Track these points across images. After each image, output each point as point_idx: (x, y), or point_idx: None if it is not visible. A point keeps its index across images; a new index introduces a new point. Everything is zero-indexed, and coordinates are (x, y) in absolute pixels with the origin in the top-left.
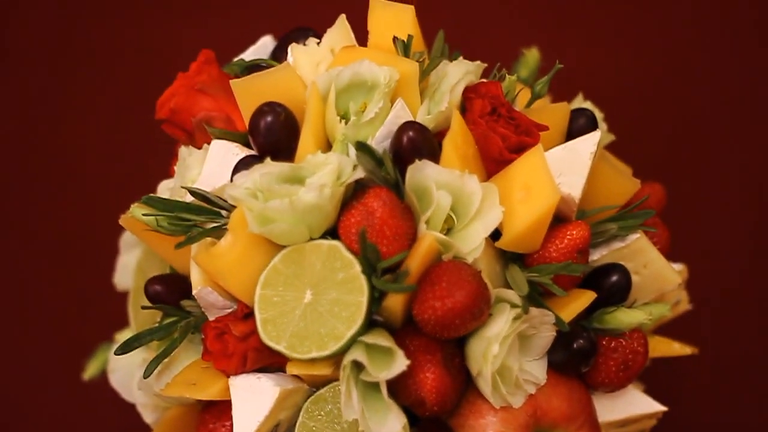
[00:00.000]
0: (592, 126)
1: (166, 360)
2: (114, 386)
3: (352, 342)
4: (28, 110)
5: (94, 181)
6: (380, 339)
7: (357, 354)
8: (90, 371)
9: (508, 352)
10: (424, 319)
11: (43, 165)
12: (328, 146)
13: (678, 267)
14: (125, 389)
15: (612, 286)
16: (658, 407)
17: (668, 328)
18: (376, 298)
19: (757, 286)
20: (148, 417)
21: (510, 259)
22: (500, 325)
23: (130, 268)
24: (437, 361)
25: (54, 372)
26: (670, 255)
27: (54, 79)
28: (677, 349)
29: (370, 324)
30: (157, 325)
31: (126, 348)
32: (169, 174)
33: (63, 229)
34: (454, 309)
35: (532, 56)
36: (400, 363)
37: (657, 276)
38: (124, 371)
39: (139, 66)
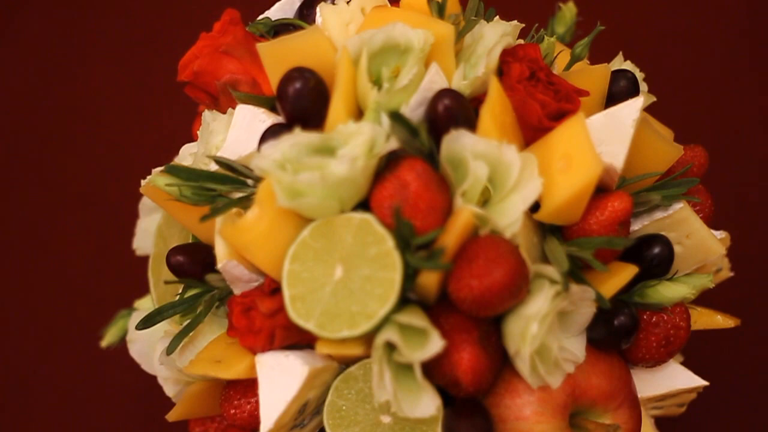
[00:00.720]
0: (634, 89)
1: (190, 338)
2: (134, 357)
3: (385, 321)
4: (46, 71)
5: (114, 141)
6: (414, 318)
7: (390, 334)
8: (108, 339)
9: (547, 331)
10: (460, 298)
11: (62, 123)
12: (359, 114)
13: (720, 234)
14: (146, 360)
15: (654, 258)
16: (700, 381)
17: (708, 296)
18: (410, 275)
19: None
20: (169, 390)
21: (548, 231)
22: (539, 304)
23: (150, 233)
24: (473, 340)
25: (72, 338)
26: (712, 222)
27: (74, 36)
28: (720, 321)
29: (403, 301)
30: (178, 297)
31: (147, 323)
32: (191, 137)
33: (82, 189)
34: (492, 288)
35: (569, 11)
36: (435, 344)
37: (700, 246)
38: (145, 342)
39: (159, 22)
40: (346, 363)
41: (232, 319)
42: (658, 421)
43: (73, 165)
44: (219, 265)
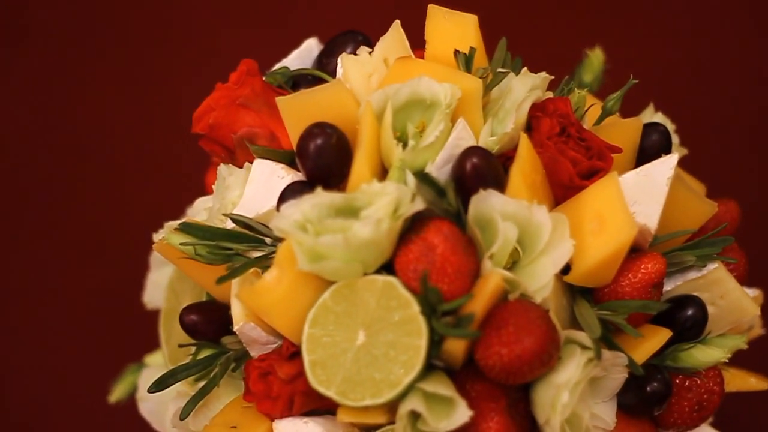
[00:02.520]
0: (667, 143)
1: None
2: (144, 416)
3: (410, 389)
4: (54, 110)
5: (125, 188)
6: (440, 387)
7: (415, 403)
8: (117, 394)
9: (578, 400)
10: (488, 365)
11: (71, 168)
12: (383, 172)
13: (753, 293)
14: (156, 420)
15: (687, 320)
16: None
17: (739, 354)
18: (436, 342)
19: None
20: None
21: (578, 292)
22: (570, 371)
23: (161, 287)
24: (501, 409)
25: (80, 392)
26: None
27: (86, 77)
28: (753, 384)
29: (427, 367)
30: (191, 357)
31: (160, 385)
32: (203, 184)
33: (91, 238)
34: (522, 356)
35: (596, 58)
36: (462, 413)
37: (734, 307)
38: (156, 400)
39: (172, 69)
40: (367, 430)
41: (248, 384)
42: None
43: (81, 212)
44: (236, 327)
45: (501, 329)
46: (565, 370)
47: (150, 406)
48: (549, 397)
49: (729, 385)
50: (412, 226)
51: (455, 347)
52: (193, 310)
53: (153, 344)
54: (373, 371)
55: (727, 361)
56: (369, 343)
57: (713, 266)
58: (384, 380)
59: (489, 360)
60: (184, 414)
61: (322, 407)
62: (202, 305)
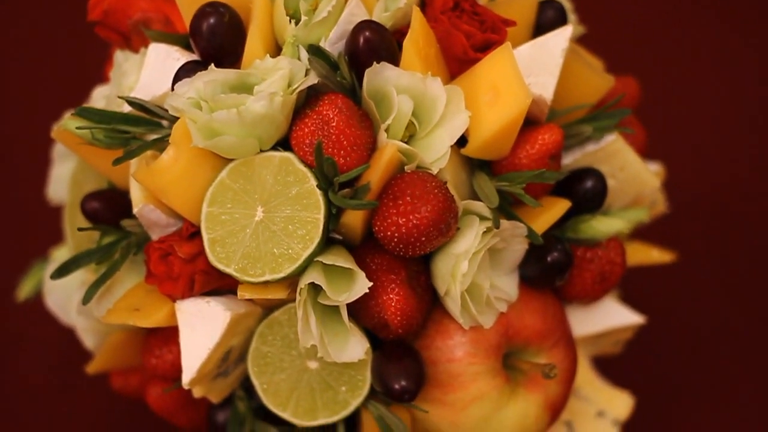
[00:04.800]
0: (562, 19)
1: (108, 286)
2: (51, 308)
3: (309, 263)
4: None
5: (24, 85)
6: (339, 259)
7: (314, 276)
8: (24, 291)
9: (477, 270)
10: (386, 237)
11: None
12: (277, 49)
13: (654, 168)
14: (63, 312)
15: (587, 192)
16: (636, 319)
17: (643, 232)
18: (334, 215)
19: (738, 184)
20: (89, 342)
21: (477, 166)
22: (469, 241)
23: (64, 181)
24: (401, 280)
25: None
26: (646, 154)
27: None
28: (656, 256)
29: (327, 242)
30: (95, 246)
31: (62, 272)
32: (104, 79)
33: None
34: (420, 225)
35: None
36: (362, 285)
37: (634, 179)
38: (62, 293)
39: None
40: (269, 308)
41: (150, 266)
42: (596, 361)
43: None
44: (135, 210)
45: (398, 200)
46: (464, 240)
47: (56, 298)
48: (448, 267)
49: (632, 258)
50: (307, 102)
51: (353, 219)
52: (94, 198)
53: (59, 239)
54: (272, 246)
55: (628, 232)
56: (267, 219)
57: (611, 138)
58: (283, 255)
59: (387, 231)
60: (86, 299)
61: (224, 287)
62: (104, 192)
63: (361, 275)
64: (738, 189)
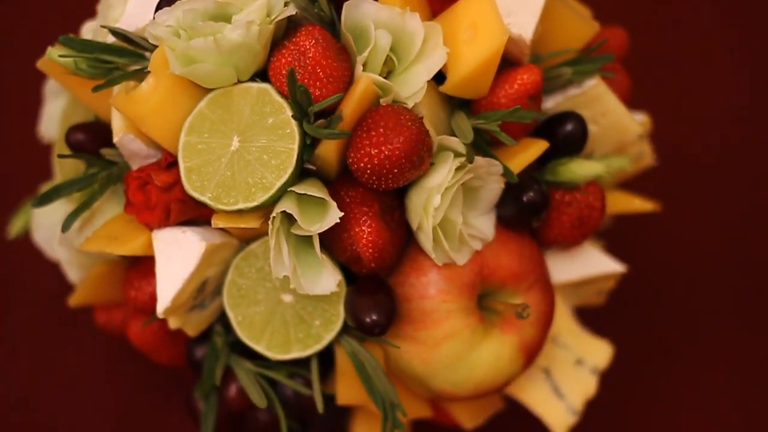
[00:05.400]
0: None
1: (88, 214)
2: (37, 244)
3: (282, 192)
4: None
5: (15, 21)
6: (312, 189)
7: (287, 205)
8: (15, 229)
9: (450, 204)
10: (359, 168)
11: None
12: None
13: (640, 118)
14: (49, 247)
15: (566, 135)
16: (616, 267)
17: (631, 186)
18: (309, 145)
19: (728, 141)
20: (73, 275)
21: (456, 106)
22: (442, 175)
23: (55, 118)
24: (374, 213)
25: None
26: (633, 105)
27: None
28: (638, 204)
29: (302, 174)
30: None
31: (44, 200)
32: (94, 14)
33: None
34: (392, 157)
35: None
36: (333, 214)
37: (616, 125)
38: (48, 228)
39: None
40: (245, 240)
41: (128, 195)
42: (579, 312)
43: None
44: (115, 139)
45: (371, 131)
46: (437, 174)
47: (43, 234)
48: (421, 200)
49: (614, 206)
50: (286, 33)
51: (327, 150)
52: (79, 129)
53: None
54: (247, 176)
55: (607, 176)
56: (243, 149)
57: (592, 82)
58: (257, 184)
59: (360, 162)
60: (65, 226)
61: (200, 217)
62: (88, 124)
63: (333, 205)
64: (727, 142)
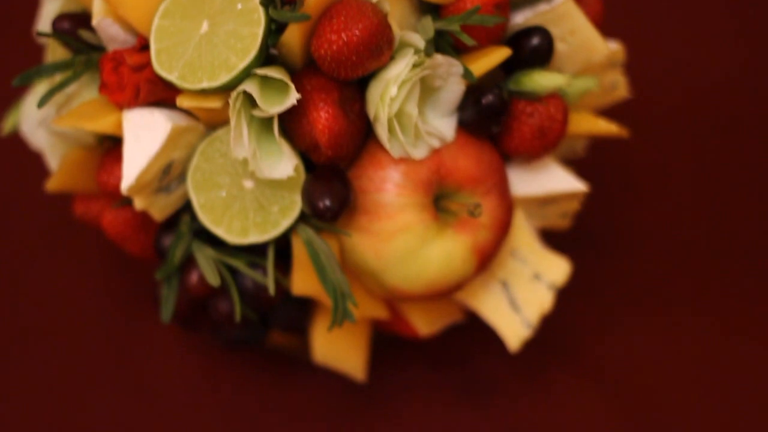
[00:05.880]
0: None
1: (65, 98)
2: (25, 134)
3: (246, 75)
4: None
5: None
6: (273, 71)
7: (248, 86)
8: (8, 126)
9: (407, 98)
10: (321, 56)
11: None
12: None
13: (614, 46)
14: (34, 137)
15: (532, 49)
16: (578, 185)
17: (606, 114)
18: (274, 31)
19: (705, 70)
20: (53, 162)
21: (427, 11)
22: (400, 67)
23: (52, 17)
24: (332, 100)
25: None
26: (608, 34)
27: None
28: (603, 126)
29: (268, 61)
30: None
31: (25, 79)
32: None
33: None
34: (350, 43)
35: None
36: (292, 96)
37: (584, 44)
38: (35, 120)
39: None
40: (212, 126)
41: (103, 76)
42: (544, 235)
43: None
44: (94, 22)
45: (333, 19)
46: (396, 66)
47: (29, 125)
48: (378, 91)
49: (577, 126)
50: None
51: (292, 36)
52: (66, 18)
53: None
54: (213, 57)
55: (568, 88)
56: (211, 32)
57: None
58: (221, 65)
59: (321, 49)
60: (41, 102)
61: (168, 100)
62: (76, 14)
63: (292, 88)
64: (706, 76)
